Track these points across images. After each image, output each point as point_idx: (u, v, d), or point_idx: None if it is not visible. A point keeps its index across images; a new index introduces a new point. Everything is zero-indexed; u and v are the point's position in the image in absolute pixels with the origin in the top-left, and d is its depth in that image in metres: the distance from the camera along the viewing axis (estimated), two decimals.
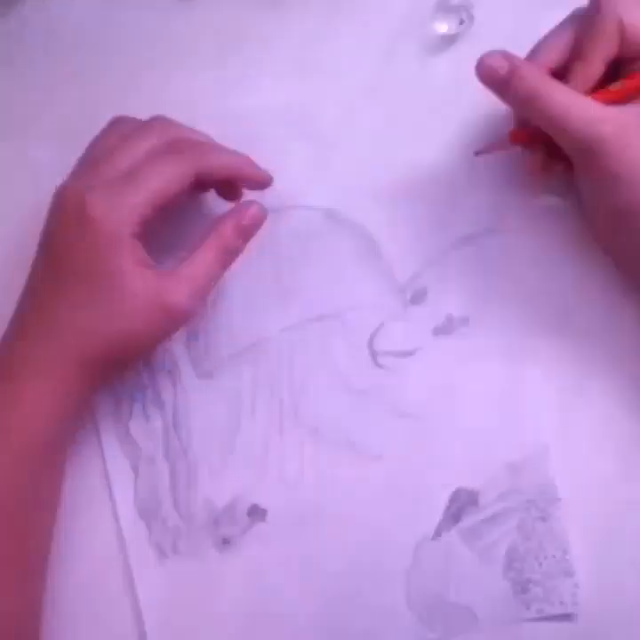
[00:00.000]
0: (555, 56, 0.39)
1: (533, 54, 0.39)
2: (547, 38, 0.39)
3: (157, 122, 0.41)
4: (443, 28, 0.45)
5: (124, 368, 0.42)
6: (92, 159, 0.40)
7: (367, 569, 0.41)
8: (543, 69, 0.38)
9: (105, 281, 0.38)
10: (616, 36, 0.37)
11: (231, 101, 0.45)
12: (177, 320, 0.39)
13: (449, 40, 0.45)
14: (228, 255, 0.40)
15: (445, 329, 0.43)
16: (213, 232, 0.40)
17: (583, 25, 0.38)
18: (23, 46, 0.47)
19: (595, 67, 0.38)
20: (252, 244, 0.43)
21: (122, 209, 0.37)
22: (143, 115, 0.44)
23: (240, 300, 0.43)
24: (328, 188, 0.44)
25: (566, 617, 0.40)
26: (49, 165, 0.44)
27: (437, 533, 0.41)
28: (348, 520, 0.42)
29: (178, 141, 0.40)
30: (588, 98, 0.37)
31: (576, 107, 0.36)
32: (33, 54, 0.47)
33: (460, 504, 0.41)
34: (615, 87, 0.38)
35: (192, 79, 0.46)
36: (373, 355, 0.43)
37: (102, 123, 0.44)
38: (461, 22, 0.44)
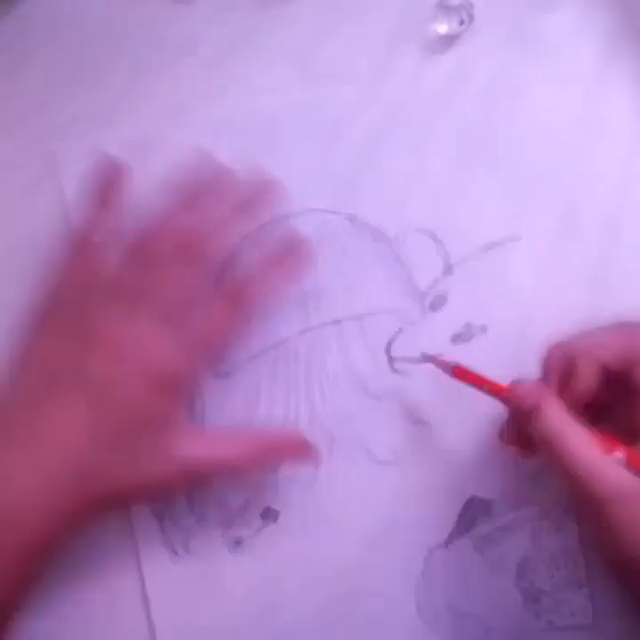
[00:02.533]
0: (605, 359, 0.37)
1: (580, 347, 0.37)
2: (595, 336, 0.37)
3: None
4: (443, 28, 0.45)
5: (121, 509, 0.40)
6: (122, 290, 0.38)
7: (378, 575, 0.41)
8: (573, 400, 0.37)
9: (152, 430, 0.37)
10: None
11: (230, 102, 0.45)
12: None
13: (449, 40, 0.45)
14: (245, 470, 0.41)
15: (464, 336, 0.42)
16: (264, 444, 0.40)
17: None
18: (24, 46, 0.46)
19: None
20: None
21: (192, 364, 0.39)
22: (144, 114, 0.44)
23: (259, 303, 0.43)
24: (330, 189, 0.43)
25: (577, 628, 0.40)
26: (50, 166, 0.44)
27: (450, 541, 0.41)
28: (360, 524, 0.42)
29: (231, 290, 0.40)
30: (602, 455, 0.35)
31: (589, 465, 0.34)
32: (34, 54, 0.46)
33: (474, 512, 0.41)
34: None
35: (192, 80, 0.45)
36: (390, 360, 0.43)
37: (103, 122, 0.44)
38: (461, 22, 0.44)
